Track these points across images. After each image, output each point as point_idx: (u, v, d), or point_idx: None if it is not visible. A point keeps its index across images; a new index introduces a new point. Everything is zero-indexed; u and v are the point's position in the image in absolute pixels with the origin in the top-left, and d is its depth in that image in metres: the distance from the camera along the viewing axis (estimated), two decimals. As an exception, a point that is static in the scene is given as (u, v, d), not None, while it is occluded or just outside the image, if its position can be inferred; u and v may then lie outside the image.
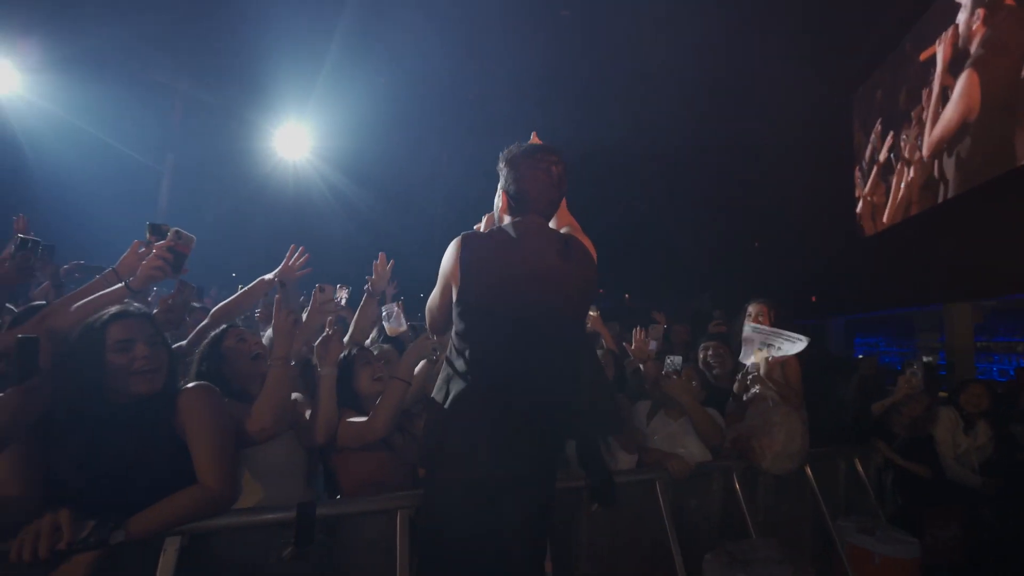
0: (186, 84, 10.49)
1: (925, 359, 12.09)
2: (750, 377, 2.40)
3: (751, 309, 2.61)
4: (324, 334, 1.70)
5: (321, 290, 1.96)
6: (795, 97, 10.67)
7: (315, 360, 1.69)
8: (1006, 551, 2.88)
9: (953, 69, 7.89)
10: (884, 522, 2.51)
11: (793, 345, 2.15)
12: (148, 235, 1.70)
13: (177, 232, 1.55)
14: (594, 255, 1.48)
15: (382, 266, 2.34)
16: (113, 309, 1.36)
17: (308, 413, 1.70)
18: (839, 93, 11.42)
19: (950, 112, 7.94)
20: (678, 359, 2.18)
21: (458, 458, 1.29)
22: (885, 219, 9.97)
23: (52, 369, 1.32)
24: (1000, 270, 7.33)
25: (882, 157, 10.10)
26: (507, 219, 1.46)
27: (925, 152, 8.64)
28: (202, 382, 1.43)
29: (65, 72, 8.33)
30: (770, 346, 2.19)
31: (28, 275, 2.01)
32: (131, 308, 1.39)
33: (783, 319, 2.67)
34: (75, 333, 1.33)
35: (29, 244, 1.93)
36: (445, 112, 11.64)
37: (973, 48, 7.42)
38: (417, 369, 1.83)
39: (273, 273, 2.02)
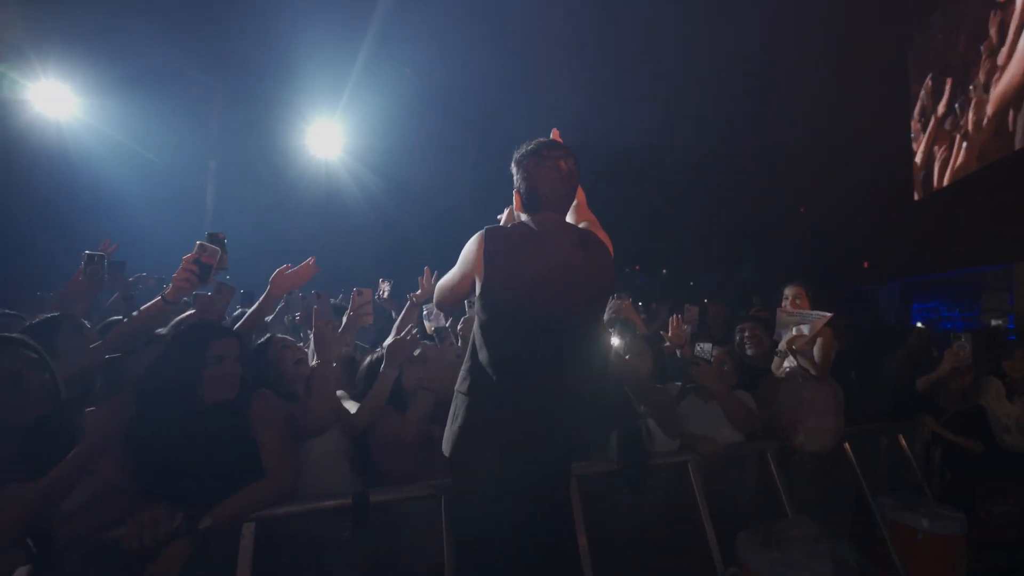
0: (222, 89, 10.92)
1: (994, 322, 11.29)
2: (782, 354, 2.40)
3: (787, 292, 2.58)
4: (398, 338, 1.87)
5: (359, 293, 2.09)
6: (845, 44, 9.93)
7: (362, 358, 1.84)
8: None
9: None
10: (929, 498, 2.47)
11: (819, 320, 2.15)
12: (83, 264, 1.91)
13: (201, 245, 1.67)
14: (611, 249, 1.52)
15: (427, 280, 2.48)
16: (210, 326, 1.60)
17: (350, 405, 1.86)
18: (893, 37, 10.50)
19: (1018, 61, 7.23)
20: (708, 346, 2.20)
21: (473, 453, 1.38)
22: (947, 175, 9.26)
23: (143, 378, 1.51)
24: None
25: (941, 108, 9.32)
26: (524, 217, 1.51)
27: (992, 102, 7.93)
28: (265, 391, 1.61)
29: (110, 93, 8.83)
30: (801, 328, 2.19)
31: (99, 287, 2.09)
32: (224, 326, 1.60)
33: (820, 299, 2.64)
34: (173, 344, 1.53)
35: (96, 259, 2.06)
36: (475, 114, 11.62)
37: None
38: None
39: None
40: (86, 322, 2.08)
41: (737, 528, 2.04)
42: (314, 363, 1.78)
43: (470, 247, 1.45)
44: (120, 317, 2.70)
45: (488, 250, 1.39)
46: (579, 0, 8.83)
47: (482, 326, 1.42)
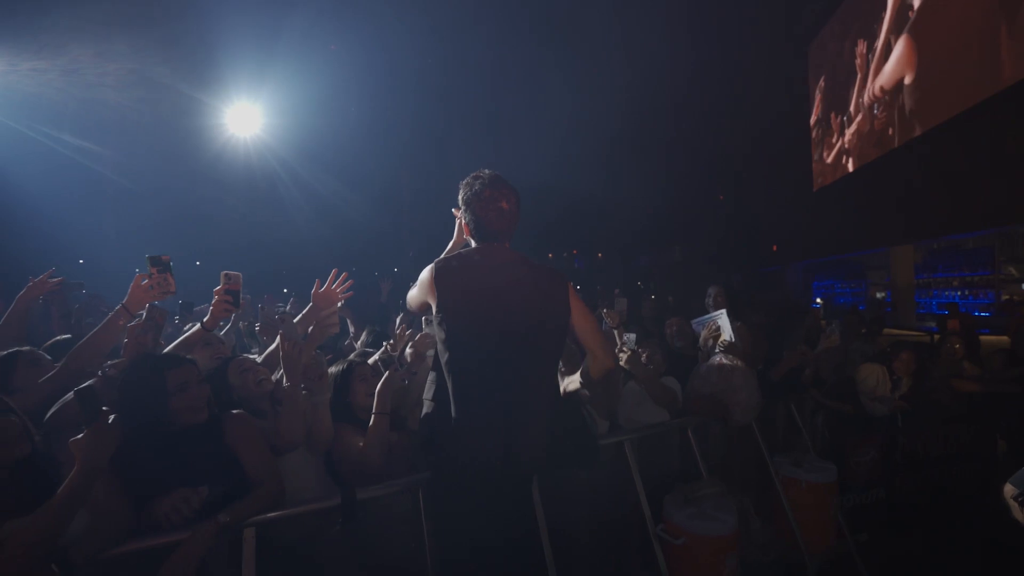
0: (133, 65, 9.98)
1: (878, 295, 13.10)
2: (712, 348, 2.87)
3: (711, 290, 3.09)
4: (316, 369, 1.91)
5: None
6: (754, 55, 10.91)
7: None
8: (915, 466, 3.52)
9: (896, 26, 8.23)
10: (812, 454, 3.07)
11: (723, 319, 2.65)
12: (149, 267, 1.84)
13: (226, 274, 1.83)
14: (561, 274, 1.75)
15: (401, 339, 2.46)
16: (166, 356, 1.68)
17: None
18: (796, 45, 11.69)
19: (889, 69, 8.35)
20: (632, 336, 2.59)
21: (444, 462, 1.58)
22: (836, 171, 10.53)
23: (119, 402, 1.61)
24: (938, 214, 8.01)
25: (829, 109, 10.54)
26: (472, 243, 1.70)
27: (865, 104, 9.09)
28: (238, 411, 1.75)
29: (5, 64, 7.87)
30: (712, 327, 2.69)
31: (167, 291, 1.91)
32: (183, 356, 1.69)
33: (734, 291, 3.19)
34: (132, 377, 1.62)
35: (161, 261, 1.88)
36: (405, 87, 11.44)
37: (914, 10, 7.74)
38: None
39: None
40: (45, 354, 2.07)
41: (665, 492, 2.46)
42: (284, 384, 1.85)
43: (424, 276, 1.62)
44: (67, 336, 2.64)
45: (439, 280, 1.56)
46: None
47: (442, 342, 1.58)
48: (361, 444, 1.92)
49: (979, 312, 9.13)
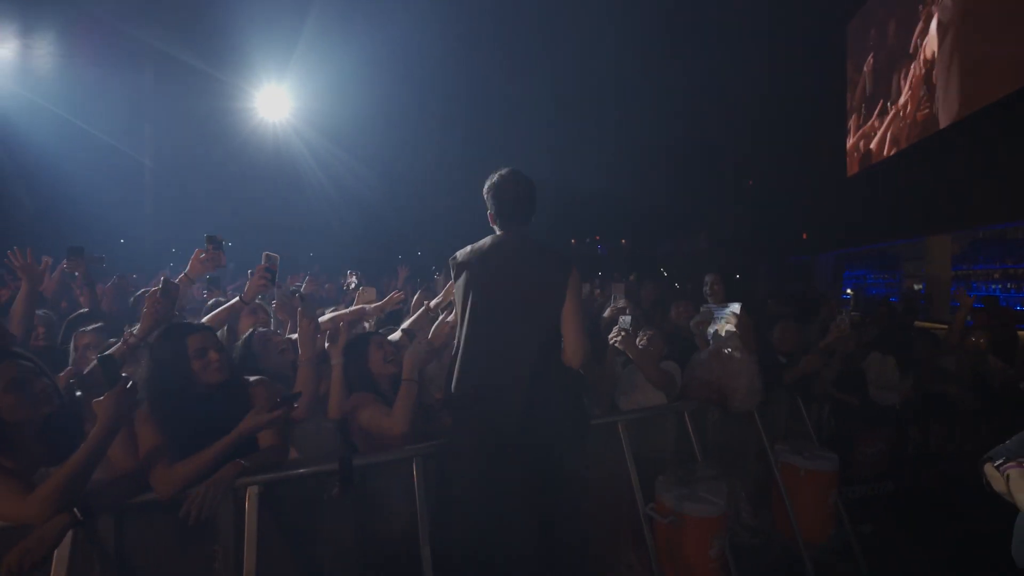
0: (163, 49, 10.31)
1: (915, 286, 12.55)
2: (712, 335, 2.87)
3: (707, 278, 3.08)
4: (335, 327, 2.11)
5: (365, 291, 2.40)
6: (787, 34, 10.43)
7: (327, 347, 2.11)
8: (924, 460, 3.45)
9: (940, 6, 7.74)
10: (814, 443, 3.04)
11: (733, 310, 2.62)
12: (207, 244, 2.18)
13: (267, 255, 2.07)
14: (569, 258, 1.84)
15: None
16: (186, 324, 1.83)
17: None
18: (831, 27, 11.11)
19: (932, 50, 7.88)
20: (628, 318, 2.63)
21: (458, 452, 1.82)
22: (872, 157, 10.07)
23: (149, 369, 1.76)
24: (976, 204, 7.61)
25: (868, 92, 10.03)
26: (496, 230, 1.89)
27: (905, 87, 8.63)
28: (262, 377, 1.89)
29: (42, 51, 8.24)
30: (718, 318, 2.69)
31: (219, 264, 2.24)
32: (202, 324, 1.84)
33: (731, 283, 3.18)
34: (160, 344, 1.78)
35: (216, 239, 2.21)
36: (431, 77, 11.45)
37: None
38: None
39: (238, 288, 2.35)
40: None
41: (659, 474, 2.50)
42: (300, 359, 2.02)
43: (448, 264, 1.91)
44: (84, 311, 2.85)
45: (456, 266, 1.87)
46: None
47: (459, 317, 1.84)
48: (387, 415, 2.01)
49: (1019, 306, 8.68)
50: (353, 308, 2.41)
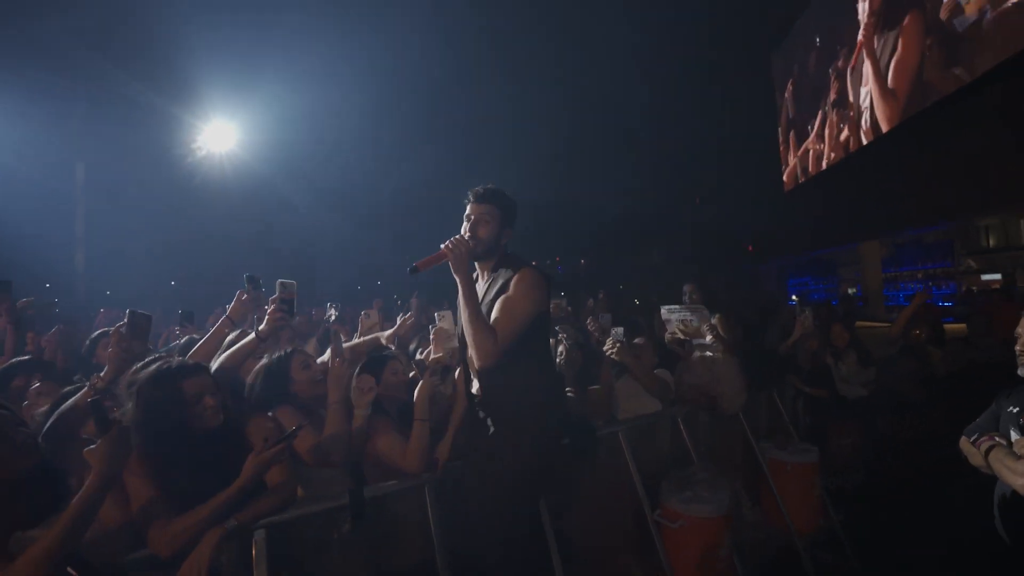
0: (101, 83, 9.85)
1: (849, 290, 13.59)
2: (694, 342, 2.99)
3: (685, 288, 3.23)
4: (357, 381, 1.97)
5: (367, 316, 2.30)
6: (722, 66, 11.36)
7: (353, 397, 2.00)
8: (894, 451, 3.69)
9: (857, 36, 8.67)
10: (795, 438, 3.21)
11: (700, 315, 2.78)
12: (247, 284, 2.04)
13: (281, 283, 1.86)
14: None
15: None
16: (179, 366, 1.70)
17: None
18: (760, 59, 12.21)
19: (852, 76, 8.78)
20: (620, 330, 2.71)
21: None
22: (805, 173, 10.97)
23: (139, 416, 1.62)
24: (901, 210, 8.43)
25: (792, 116, 11.01)
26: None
27: (829, 109, 9.53)
28: (261, 414, 1.79)
29: None
30: (684, 319, 2.82)
31: (259, 306, 2.07)
32: (196, 365, 1.72)
33: (711, 285, 3.36)
34: (151, 388, 1.65)
35: (255, 280, 2.05)
36: (382, 101, 11.50)
37: (871, 22, 8.19)
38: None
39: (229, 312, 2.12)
40: None
41: (659, 478, 2.56)
42: (328, 403, 1.89)
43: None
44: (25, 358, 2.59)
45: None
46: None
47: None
48: (402, 454, 1.93)
49: (942, 302, 9.57)
50: (369, 337, 2.31)
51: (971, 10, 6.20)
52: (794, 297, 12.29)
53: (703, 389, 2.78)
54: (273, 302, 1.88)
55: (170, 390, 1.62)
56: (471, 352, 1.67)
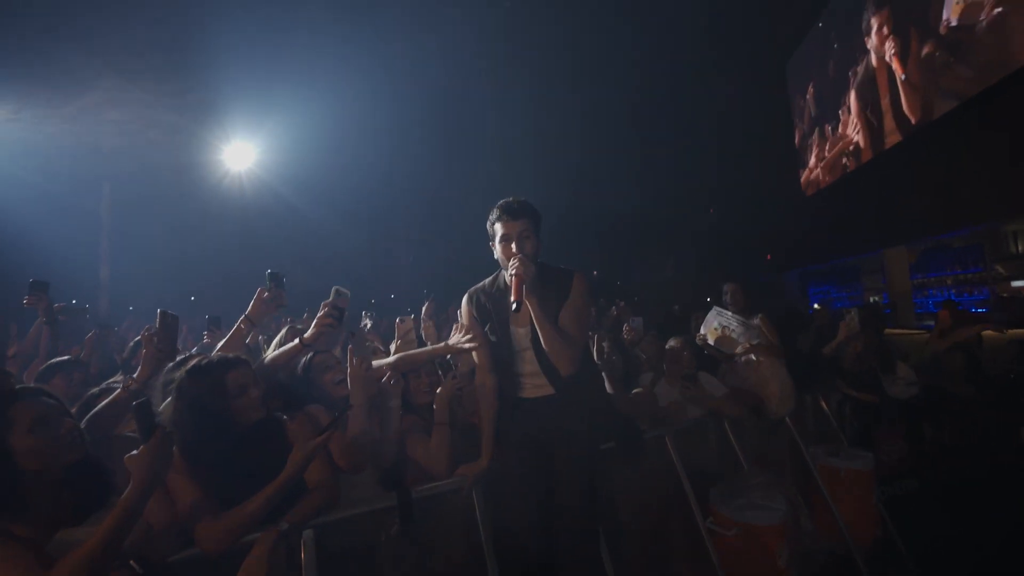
0: (125, 101, 10.13)
1: (872, 299, 13.29)
2: (739, 346, 2.90)
3: (726, 287, 3.14)
4: (388, 375, 1.95)
5: (402, 321, 2.22)
6: (737, 71, 11.34)
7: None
8: (942, 456, 3.52)
9: (875, 37, 8.61)
10: (845, 444, 3.06)
11: (746, 329, 2.70)
12: (268, 282, 1.99)
13: (337, 291, 1.86)
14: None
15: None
16: (221, 359, 1.66)
17: None
18: (777, 62, 12.18)
19: (870, 77, 8.70)
20: (639, 320, 2.64)
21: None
22: (827, 177, 10.83)
23: (180, 412, 1.58)
24: (928, 214, 8.23)
25: (813, 119, 10.91)
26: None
27: (852, 115, 9.43)
28: (306, 409, 1.74)
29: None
30: (726, 326, 2.74)
31: (281, 304, 2.07)
32: (239, 357, 1.68)
33: (747, 288, 3.27)
34: (194, 383, 1.60)
35: (277, 276, 2.03)
36: (401, 121, 11.64)
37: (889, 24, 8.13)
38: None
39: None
40: None
41: (708, 485, 2.44)
42: (351, 404, 1.83)
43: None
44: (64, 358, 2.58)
45: None
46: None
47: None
48: (428, 455, 1.92)
49: (975, 308, 9.29)
50: (440, 346, 2.19)
51: (990, 10, 6.12)
52: (816, 306, 12.03)
53: (749, 392, 2.67)
54: (325, 307, 1.84)
55: (213, 383, 1.58)
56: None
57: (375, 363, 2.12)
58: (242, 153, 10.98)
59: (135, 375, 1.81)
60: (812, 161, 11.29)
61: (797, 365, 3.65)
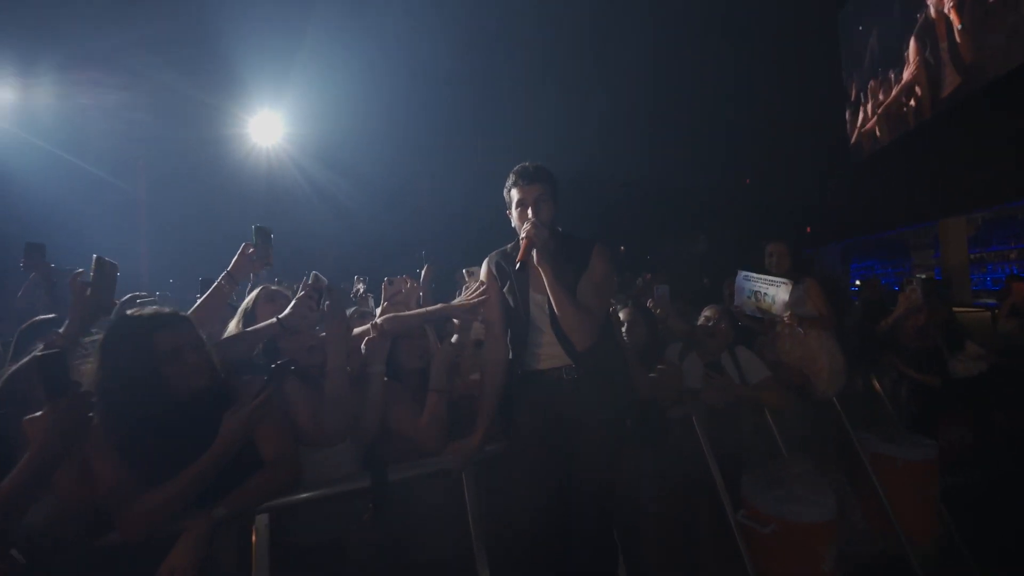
0: (154, 76, 10.13)
1: (921, 275, 12.35)
2: (776, 315, 2.50)
3: (771, 248, 2.73)
4: (370, 337, 1.73)
5: (390, 283, 2.01)
6: (779, 24, 10.38)
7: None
8: (1012, 444, 3.08)
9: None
10: (902, 430, 2.67)
11: (779, 289, 2.30)
12: (255, 237, 1.86)
13: (316, 275, 1.75)
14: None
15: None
16: (153, 315, 1.38)
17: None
18: (824, 15, 11.07)
19: (936, 24, 7.76)
20: (665, 288, 2.30)
21: None
22: (875, 143, 9.93)
23: (102, 375, 1.33)
24: (991, 180, 7.40)
25: (866, 73, 9.91)
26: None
27: (909, 65, 8.50)
28: (255, 376, 1.48)
29: (38, 89, 8.03)
30: (757, 292, 2.34)
31: (266, 263, 1.93)
32: (173, 315, 1.41)
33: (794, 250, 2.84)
34: (114, 340, 1.33)
35: (264, 232, 1.89)
36: (426, 96, 11.22)
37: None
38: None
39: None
40: None
41: (741, 472, 2.11)
42: (328, 368, 1.61)
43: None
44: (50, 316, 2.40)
45: None
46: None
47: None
48: (416, 427, 1.71)
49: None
50: (436, 307, 1.92)
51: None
52: (858, 282, 11.30)
53: (793, 368, 2.30)
54: (304, 288, 1.68)
55: (137, 344, 1.31)
56: (572, 335, 1.62)
57: (357, 330, 1.86)
58: (269, 126, 10.89)
59: (59, 330, 1.59)
60: (866, 114, 10.24)
61: (845, 341, 3.25)
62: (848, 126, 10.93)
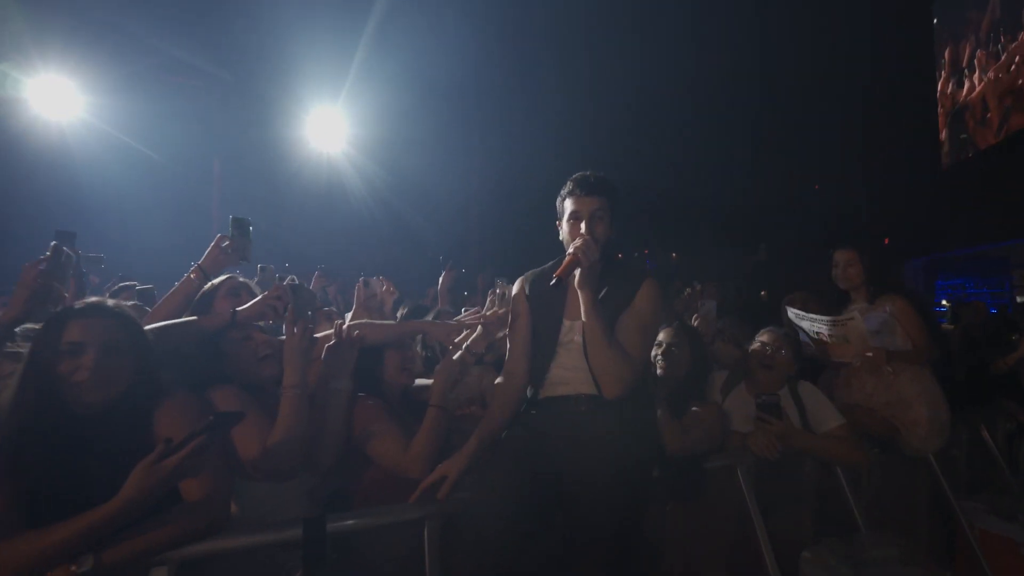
0: (223, 80, 10.69)
1: (1019, 299, 10.77)
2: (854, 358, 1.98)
3: (839, 258, 2.20)
4: (333, 343, 1.49)
5: (365, 284, 1.84)
6: (864, 15, 9.38)
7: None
8: None
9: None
10: (1020, 501, 2.06)
11: (842, 327, 1.83)
12: (232, 229, 1.77)
13: (280, 277, 1.75)
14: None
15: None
16: (85, 305, 1.17)
17: None
18: (914, 7, 9.87)
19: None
20: (712, 304, 2.02)
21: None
22: (971, 145, 8.73)
23: (17, 379, 1.12)
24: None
25: (972, 76, 8.71)
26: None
27: (1012, 58, 7.34)
28: (181, 392, 1.21)
29: (112, 89, 8.59)
30: (815, 332, 1.88)
31: (244, 257, 1.83)
32: (102, 304, 1.17)
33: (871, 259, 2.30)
34: (36, 336, 1.14)
35: (242, 224, 1.80)
36: (485, 105, 11.12)
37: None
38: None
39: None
40: None
41: (799, 547, 1.63)
42: (285, 384, 1.36)
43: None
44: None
45: None
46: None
47: None
48: (402, 451, 1.44)
49: None
50: (414, 322, 1.73)
51: None
52: (944, 302, 10.04)
53: (877, 416, 1.78)
54: (270, 292, 1.49)
55: (49, 333, 1.11)
56: (601, 378, 1.39)
57: (320, 334, 1.57)
58: (332, 130, 11.17)
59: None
60: (955, 124, 9.07)
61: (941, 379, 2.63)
62: (941, 127, 9.68)
